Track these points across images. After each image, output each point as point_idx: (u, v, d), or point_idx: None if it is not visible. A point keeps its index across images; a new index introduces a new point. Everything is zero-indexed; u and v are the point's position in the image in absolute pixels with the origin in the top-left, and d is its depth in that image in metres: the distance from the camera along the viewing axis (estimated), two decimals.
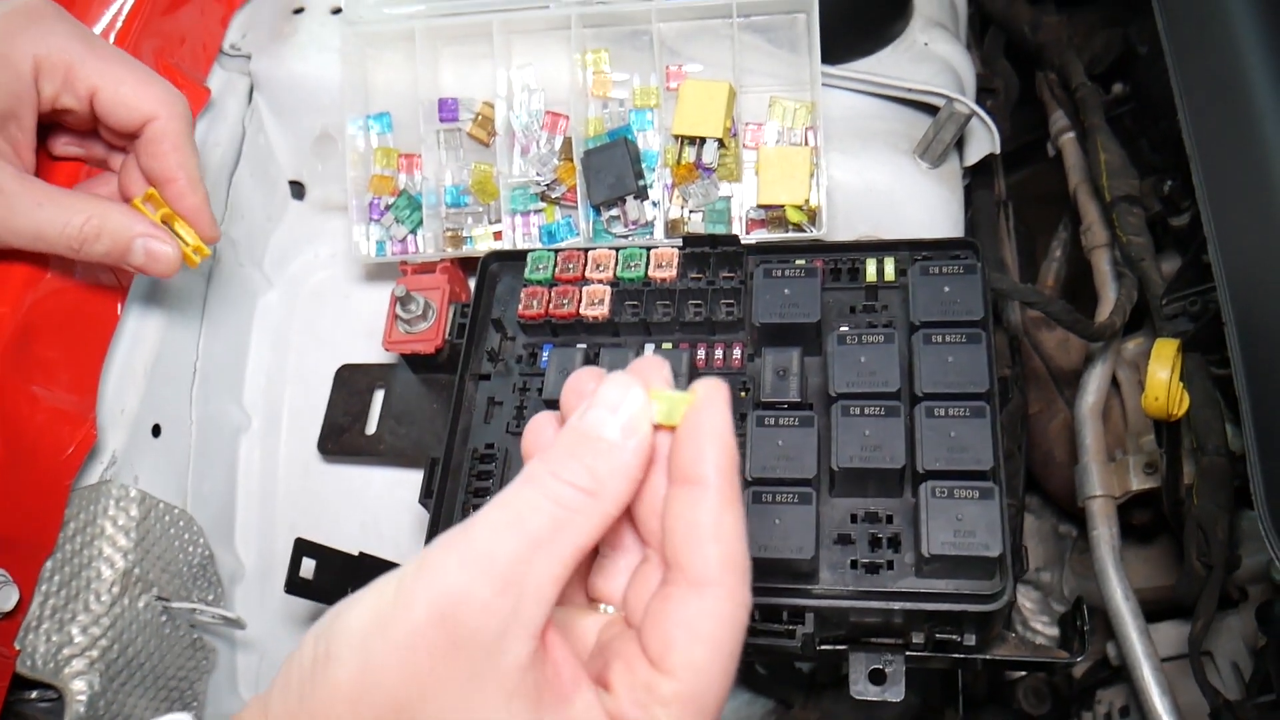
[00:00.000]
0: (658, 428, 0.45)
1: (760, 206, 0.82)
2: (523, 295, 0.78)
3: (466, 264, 0.89)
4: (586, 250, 0.79)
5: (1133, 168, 1.01)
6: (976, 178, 1.04)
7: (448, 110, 0.88)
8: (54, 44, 0.68)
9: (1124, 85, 1.15)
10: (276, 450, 0.93)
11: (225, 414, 0.91)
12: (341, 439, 0.89)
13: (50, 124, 0.72)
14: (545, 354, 0.77)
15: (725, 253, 0.77)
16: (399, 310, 0.83)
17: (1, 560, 0.69)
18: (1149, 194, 1.01)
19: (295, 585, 0.76)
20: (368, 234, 0.89)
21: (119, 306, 0.78)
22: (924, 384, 0.67)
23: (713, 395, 0.45)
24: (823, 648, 0.70)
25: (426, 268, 0.87)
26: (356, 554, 0.79)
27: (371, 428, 0.88)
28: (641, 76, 0.86)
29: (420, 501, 0.76)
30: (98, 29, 0.82)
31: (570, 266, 0.79)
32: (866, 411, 0.67)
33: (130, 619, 0.77)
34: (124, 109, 0.70)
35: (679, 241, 0.78)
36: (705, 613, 0.43)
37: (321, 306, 0.96)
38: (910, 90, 0.87)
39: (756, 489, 0.66)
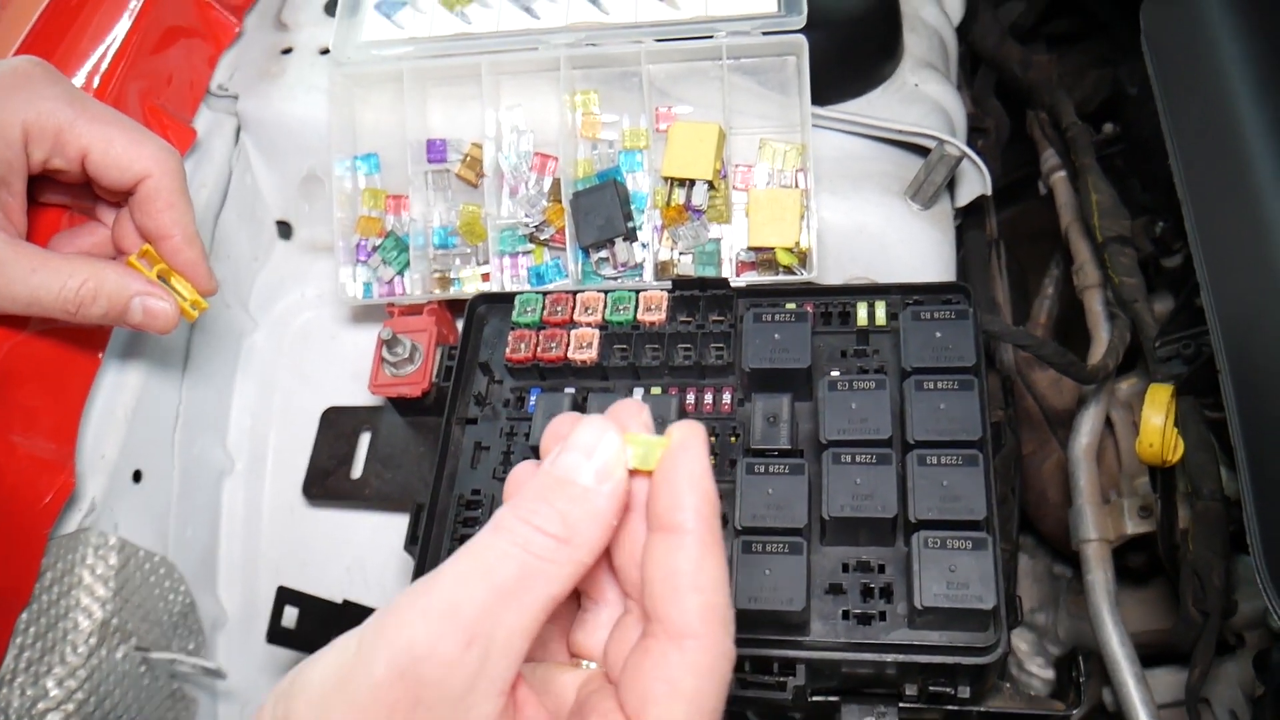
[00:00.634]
0: (634, 473, 0.44)
1: (750, 249, 0.82)
2: (510, 338, 0.77)
3: (454, 306, 0.89)
4: (575, 293, 0.78)
5: (1124, 208, 1.01)
6: (968, 218, 1.04)
7: (436, 151, 0.88)
8: (43, 108, 0.67)
9: (1114, 125, 1.16)
10: (261, 494, 0.92)
11: (208, 457, 0.89)
12: (327, 483, 0.88)
13: (40, 177, 0.71)
14: (533, 398, 0.76)
15: (715, 296, 0.76)
16: (385, 353, 0.82)
17: None
18: (1140, 234, 1.01)
19: (277, 635, 0.74)
20: (354, 275, 0.88)
21: (99, 351, 0.77)
22: (916, 431, 0.66)
23: (689, 438, 0.43)
24: (814, 699, 0.69)
25: (413, 310, 0.86)
26: (340, 602, 0.78)
27: (357, 471, 0.87)
28: (631, 118, 0.86)
29: (405, 548, 0.74)
30: (84, 70, 0.82)
31: (558, 309, 0.78)
32: (858, 459, 0.66)
33: (108, 671, 0.75)
34: (115, 170, 0.69)
35: (668, 284, 0.78)
36: (685, 666, 0.41)
37: (307, 348, 0.95)
38: (901, 132, 0.87)
39: (746, 539, 0.65)
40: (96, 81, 0.81)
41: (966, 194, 0.91)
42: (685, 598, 0.41)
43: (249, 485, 0.92)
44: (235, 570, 0.90)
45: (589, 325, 0.77)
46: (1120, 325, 0.95)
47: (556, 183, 0.85)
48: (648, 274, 0.83)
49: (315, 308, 0.96)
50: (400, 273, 0.87)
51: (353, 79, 0.89)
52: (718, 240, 0.83)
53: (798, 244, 0.80)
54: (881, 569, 0.66)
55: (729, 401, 0.74)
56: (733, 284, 0.76)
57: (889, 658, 0.63)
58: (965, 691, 0.65)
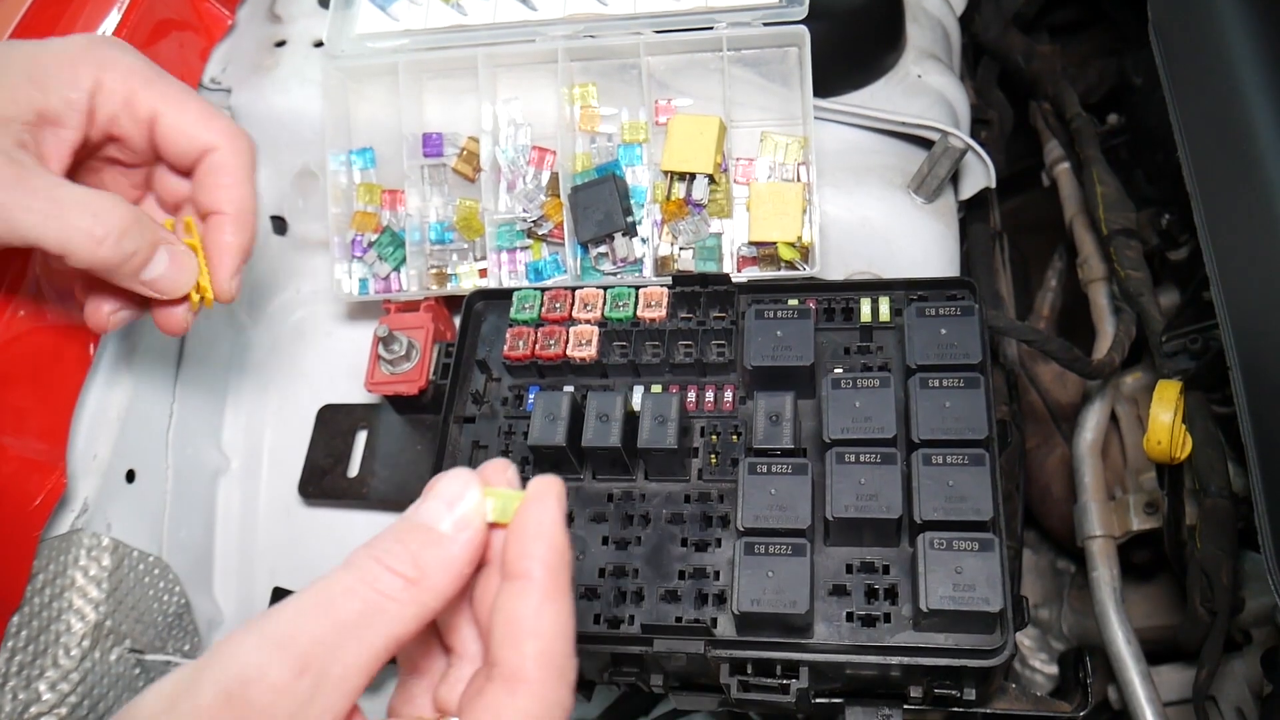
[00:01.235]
0: (493, 526, 0.45)
1: (752, 243, 0.80)
2: (508, 336, 0.76)
3: (451, 302, 0.87)
4: (574, 289, 0.77)
5: (1129, 200, 0.99)
6: (971, 210, 1.02)
7: (432, 145, 0.86)
8: (120, 65, 0.64)
9: (1119, 116, 1.14)
10: (256, 493, 0.91)
11: (203, 457, 0.88)
12: (323, 482, 0.86)
13: (97, 160, 0.68)
14: (531, 397, 0.75)
15: (716, 292, 0.75)
16: (382, 350, 0.81)
17: None
18: (1146, 227, 1.00)
19: None
20: (350, 272, 0.87)
21: (91, 348, 0.76)
22: (921, 430, 0.65)
23: (543, 492, 0.45)
24: (818, 701, 0.68)
25: (410, 306, 0.85)
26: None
27: (354, 470, 0.86)
28: (630, 111, 0.85)
29: None
30: None
31: (557, 306, 0.77)
32: (862, 459, 0.65)
33: (101, 673, 0.74)
34: (184, 136, 0.65)
35: (668, 280, 0.76)
36: (515, 710, 0.42)
37: (303, 345, 0.94)
38: (904, 124, 0.86)
39: (749, 540, 0.64)
40: None
41: (970, 186, 0.89)
42: (523, 643, 0.43)
43: (244, 484, 0.91)
44: (231, 571, 0.89)
45: (588, 322, 0.76)
46: (1126, 319, 0.94)
47: (555, 177, 0.84)
48: (647, 269, 0.82)
49: (310, 304, 0.95)
50: (396, 269, 0.86)
51: (347, 72, 0.87)
52: (718, 235, 0.82)
53: (800, 238, 0.79)
54: (886, 570, 0.65)
55: (730, 399, 0.73)
56: (734, 279, 0.75)
57: (894, 660, 0.62)
58: (971, 694, 0.64)
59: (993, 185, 0.88)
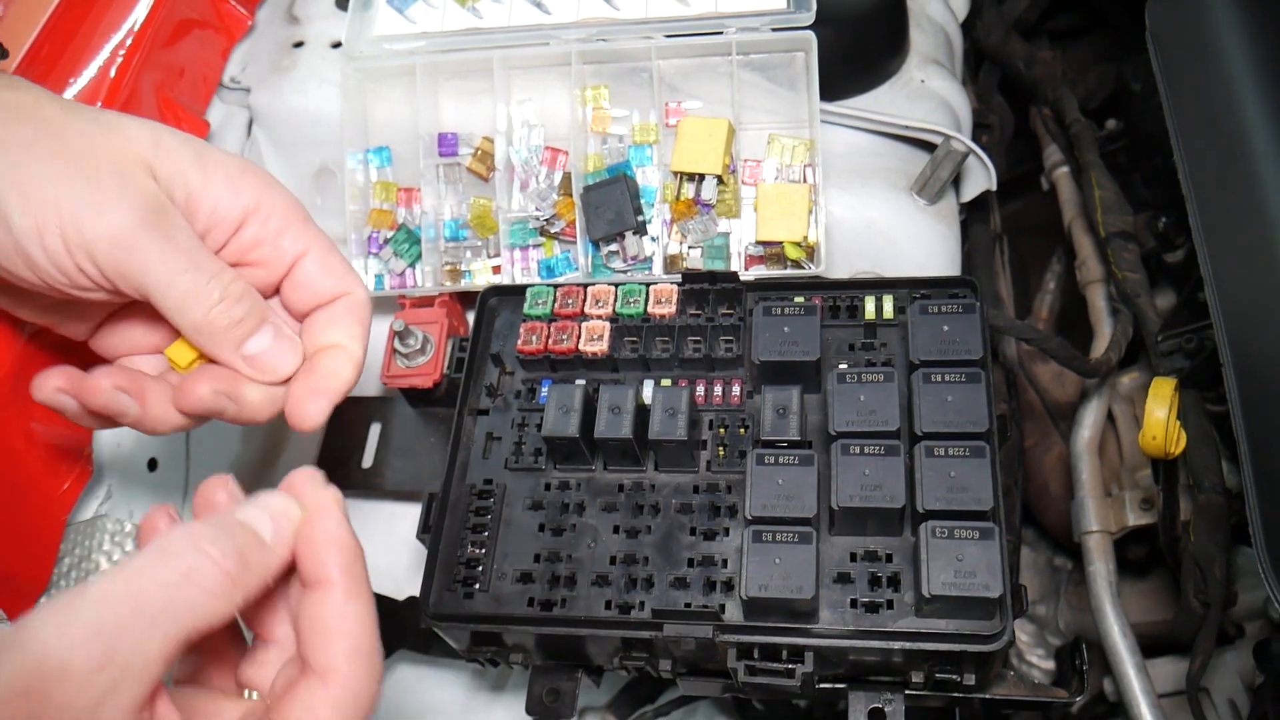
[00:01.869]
0: None
1: (759, 243, 0.83)
2: (522, 330, 0.78)
3: (465, 298, 0.89)
4: (586, 286, 0.79)
5: (1126, 204, 1.02)
6: (972, 212, 1.05)
7: (447, 145, 0.88)
8: (280, 198, 0.63)
9: (1117, 121, 1.17)
10: (273, 484, 0.92)
11: (222, 447, 0.90)
12: (338, 472, 0.88)
13: None
14: (544, 390, 0.77)
15: (724, 289, 0.77)
16: (397, 344, 0.83)
17: None
18: (1143, 230, 1.02)
19: None
20: (366, 267, 0.89)
21: None
22: (924, 423, 0.67)
23: (324, 504, 0.50)
24: (822, 686, 0.70)
25: (425, 302, 0.87)
26: None
27: (368, 461, 0.88)
28: (641, 113, 0.87)
29: (418, 536, 0.75)
30: (99, 61, 0.82)
31: (569, 302, 0.79)
32: (866, 450, 0.67)
33: None
34: (329, 278, 0.65)
35: (678, 278, 0.78)
36: (327, 701, 0.45)
37: None
38: (908, 127, 0.88)
39: (756, 528, 0.66)
40: (113, 73, 0.82)
41: (971, 189, 0.92)
42: (332, 641, 0.46)
43: (261, 475, 0.93)
44: None
45: (600, 318, 0.78)
46: (1123, 320, 0.96)
47: (567, 177, 0.86)
48: (657, 268, 0.84)
49: None
50: (412, 265, 0.88)
51: (365, 73, 0.89)
52: (726, 234, 0.84)
53: (805, 238, 0.81)
54: (889, 558, 0.67)
55: (738, 394, 0.75)
56: (742, 278, 0.77)
57: (896, 645, 0.64)
58: (971, 679, 0.66)
59: (993, 188, 0.90)
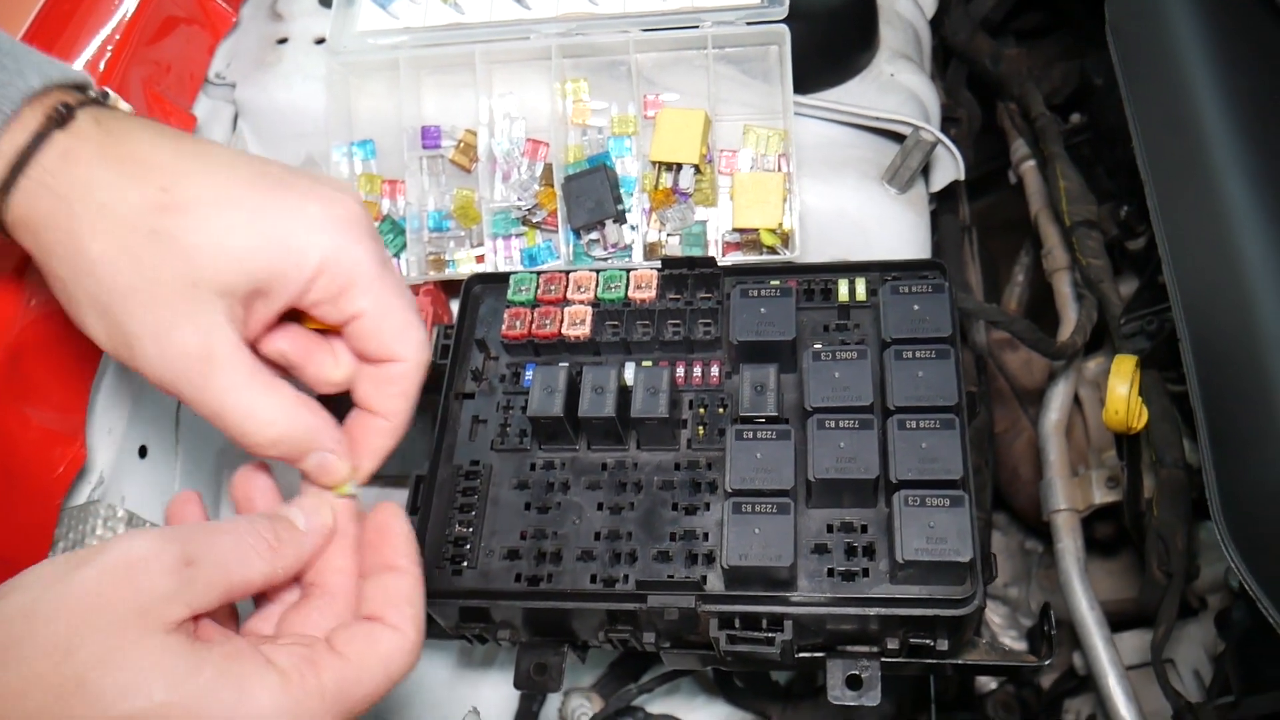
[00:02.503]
0: None
1: (735, 230, 0.85)
2: (506, 316, 0.80)
3: (449, 287, 0.91)
4: (568, 272, 0.81)
5: (1091, 194, 1.05)
6: (942, 203, 1.08)
7: (430, 137, 0.90)
8: (351, 251, 0.61)
9: (1081, 115, 1.20)
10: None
11: (211, 434, 0.91)
12: None
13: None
14: (529, 373, 0.79)
15: (703, 274, 0.80)
16: None
17: None
18: (1106, 219, 1.05)
19: None
20: None
21: None
22: (895, 398, 0.70)
23: (398, 512, 0.63)
24: (801, 655, 0.72)
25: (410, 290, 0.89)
26: None
27: None
28: (620, 105, 0.89)
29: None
30: (87, 56, 0.84)
31: (552, 288, 0.81)
32: (841, 425, 0.69)
33: None
34: (376, 342, 0.64)
35: (658, 263, 0.81)
36: (391, 643, 0.57)
37: None
38: (878, 119, 0.91)
39: (736, 500, 0.68)
40: (101, 66, 0.83)
41: (940, 179, 0.95)
42: (404, 607, 0.59)
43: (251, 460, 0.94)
44: None
45: (582, 303, 0.80)
46: (1088, 305, 0.99)
47: (548, 167, 0.88)
48: (637, 255, 0.86)
49: None
50: (396, 255, 0.90)
51: (349, 67, 0.91)
52: (704, 222, 0.86)
53: (780, 226, 0.84)
54: (864, 529, 0.69)
55: (717, 374, 0.77)
56: (719, 263, 0.80)
57: (872, 611, 0.67)
58: (944, 644, 0.69)
59: (962, 177, 0.93)
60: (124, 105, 0.63)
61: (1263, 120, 0.70)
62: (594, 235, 0.86)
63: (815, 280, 0.79)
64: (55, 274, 0.58)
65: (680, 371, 0.78)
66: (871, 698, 0.70)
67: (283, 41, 0.97)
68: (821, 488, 0.69)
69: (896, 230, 0.90)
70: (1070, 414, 1.08)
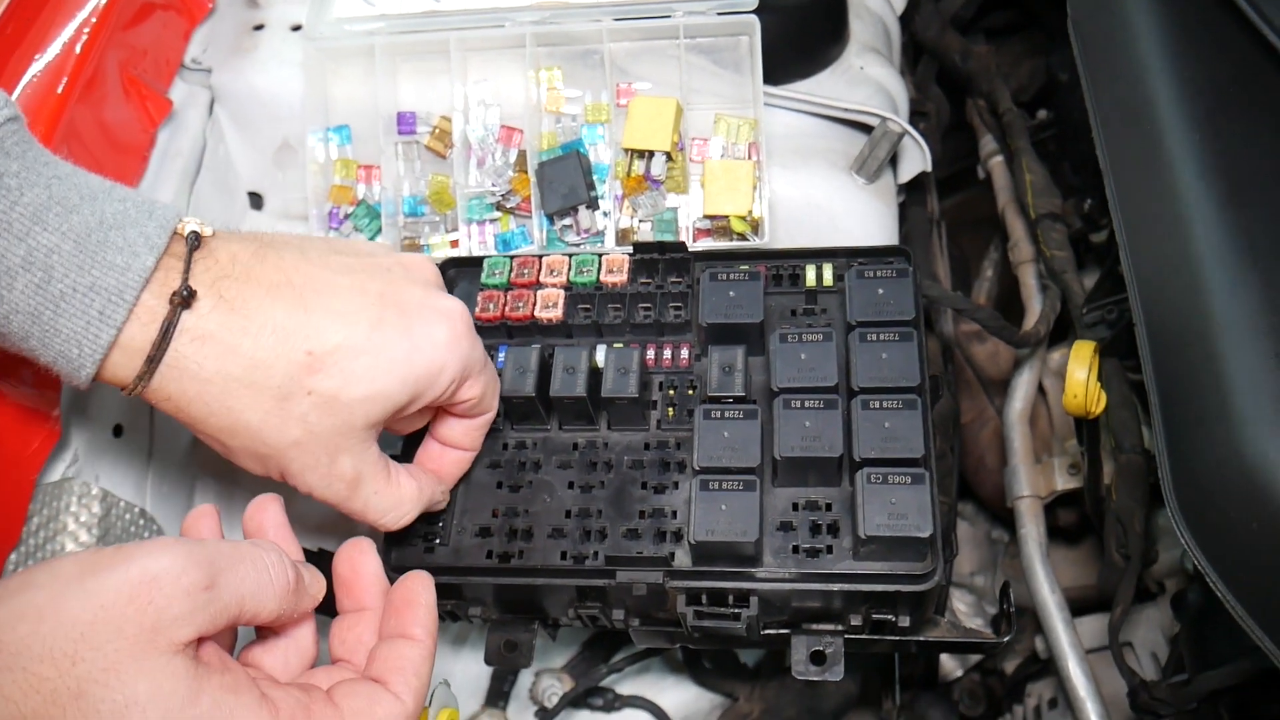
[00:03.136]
0: None
1: (706, 217, 0.86)
2: (479, 299, 0.81)
3: None
4: (541, 257, 0.82)
5: (1056, 187, 1.07)
6: (910, 195, 1.09)
7: (406, 123, 0.91)
8: (471, 357, 0.69)
9: (1048, 111, 1.22)
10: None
11: None
12: None
13: None
14: (502, 354, 0.80)
15: (673, 259, 0.81)
16: None
17: None
18: (1071, 212, 1.07)
19: None
20: None
21: None
22: (860, 379, 0.72)
23: (426, 581, 0.64)
24: (766, 632, 0.73)
25: None
26: (317, 550, 0.82)
27: None
28: (593, 93, 0.90)
29: None
30: (63, 39, 0.84)
31: (525, 272, 0.82)
32: (806, 405, 0.71)
33: None
34: (478, 407, 0.72)
35: (630, 249, 0.82)
36: (388, 709, 0.57)
37: None
38: (847, 110, 0.93)
39: (704, 477, 0.69)
40: (78, 49, 0.83)
41: (908, 170, 0.96)
42: (410, 678, 0.59)
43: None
44: None
45: (554, 286, 0.81)
46: (1052, 295, 1.02)
47: (522, 154, 0.90)
48: (609, 241, 0.87)
49: None
50: (372, 239, 0.91)
51: (325, 53, 0.92)
52: (675, 209, 0.88)
53: (750, 213, 0.85)
54: (829, 507, 0.71)
55: (687, 357, 0.79)
56: (690, 248, 0.81)
57: (835, 587, 0.68)
58: (905, 620, 0.71)
59: (929, 169, 0.95)
60: (207, 230, 0.63)
61: (1216, 113, 0.72)
62: (567, 221, 0.88)
63: (783, 265, 0.81)
64: (206, 434, 0.63)
65: (650, 353, 0.79)
66: (835, 673, 0.71)
67: (259, 28, 0.98)
68: (787, 466, 0.71)
69: (864, 219, 0.92)
70: (1035, 404, 1.10)
